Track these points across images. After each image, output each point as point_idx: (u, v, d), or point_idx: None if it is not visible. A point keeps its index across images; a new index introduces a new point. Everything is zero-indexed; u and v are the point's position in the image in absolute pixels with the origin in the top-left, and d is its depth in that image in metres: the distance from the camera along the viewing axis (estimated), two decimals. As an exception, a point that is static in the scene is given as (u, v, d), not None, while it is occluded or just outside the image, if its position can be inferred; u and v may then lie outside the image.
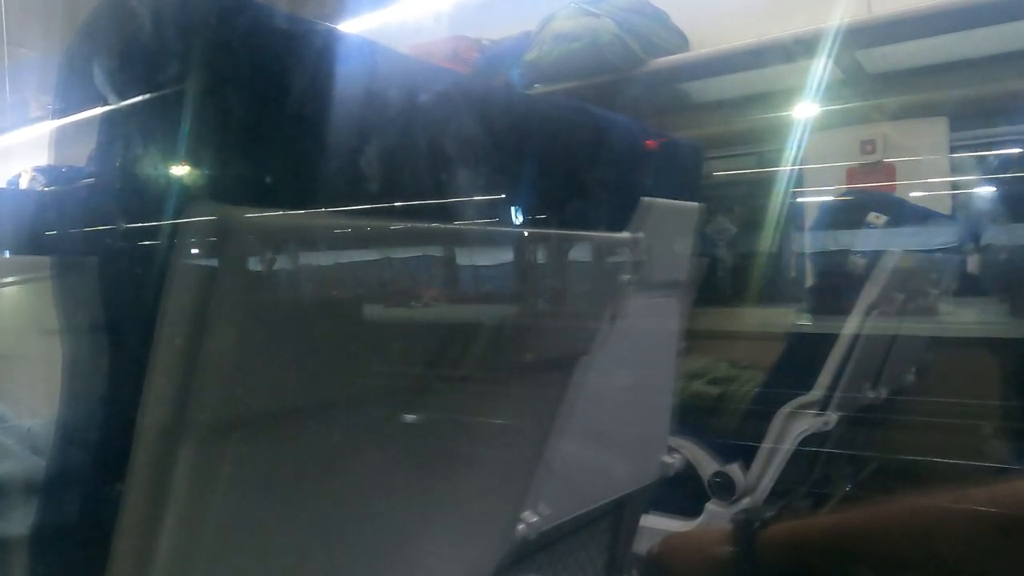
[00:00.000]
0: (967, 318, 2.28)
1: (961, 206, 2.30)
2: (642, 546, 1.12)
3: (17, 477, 0.71)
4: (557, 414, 0.83)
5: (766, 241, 2.69)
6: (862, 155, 2.41)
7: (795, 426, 1.81)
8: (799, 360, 1.90)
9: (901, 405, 2.28)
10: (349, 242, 0.51)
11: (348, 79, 0.49)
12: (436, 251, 0.60)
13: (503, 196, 0.63)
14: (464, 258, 0.62)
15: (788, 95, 2.54)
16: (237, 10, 0.44)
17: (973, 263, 2.18)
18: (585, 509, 1.09)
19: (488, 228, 0.62)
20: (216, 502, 0.51)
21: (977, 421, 1.91)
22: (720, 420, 2.06)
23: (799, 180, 2.54)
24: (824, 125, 2.48)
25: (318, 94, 0.48)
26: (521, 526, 0.90)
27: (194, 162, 0.45)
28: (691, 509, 1.86)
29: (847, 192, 2.36)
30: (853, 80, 2.37)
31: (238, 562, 0.56)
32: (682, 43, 2.46)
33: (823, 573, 0.81)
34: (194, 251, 0.45)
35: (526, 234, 0.67)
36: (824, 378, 1.80)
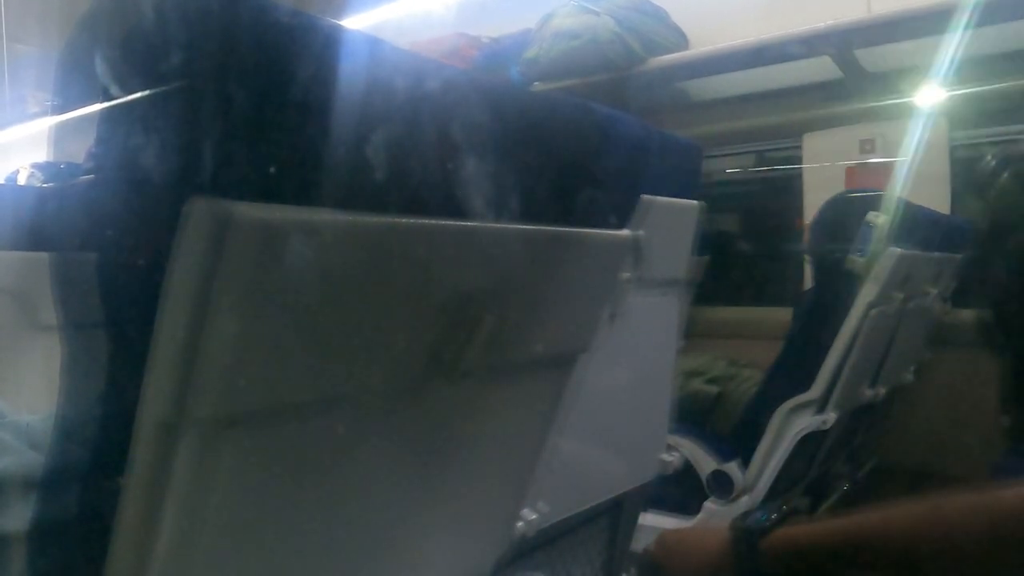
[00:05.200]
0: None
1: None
2: (640, 544, 1.13)
3: (16, 473, 0.71)
4: (556, 411, 0.83)
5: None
6: (861, 154, 2.41)
7: (793, 424, 1.81)
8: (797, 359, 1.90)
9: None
10: (350, 236, 0.51)
11: (351, 74, 0.49)
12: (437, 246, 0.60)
13: (504, 192, 0.63)
14: (464, 254, 0.62)
15: (787, 93, 2.55)
16: (239, 3, 0.44)
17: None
18: (584, 507, 1.09)
19: (490, 224, 0.62)
20: (215, 497, 0.51)
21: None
22: (718, 418, 2.07)
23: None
24: (823, 124, 2.48)
25: (320, 88, 0.47)
26: (520, 523, 0.90)
27: (194, 155, 0.45)
28: (690, 507, 1.86)
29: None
30: (852, 79, 2.37)
31: (237, 557, 0.56)
32: (681, 41, 2.46)
33: (821, 572, 0.80)
34: (194, 245, 0.45)
35: (526, 230, 0.66)
36: (822, 376, 1.80)
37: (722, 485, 1.83)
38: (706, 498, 1.85)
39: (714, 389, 2.14)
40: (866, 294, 1.74)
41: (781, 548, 0.79)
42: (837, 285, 1.78)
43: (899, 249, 1.72)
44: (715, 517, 1.81)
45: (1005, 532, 0.66)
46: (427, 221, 0.56)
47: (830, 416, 1.80)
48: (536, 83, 2.49)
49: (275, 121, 0.47)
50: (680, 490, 1.80)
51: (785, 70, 2.41)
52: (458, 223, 0.59)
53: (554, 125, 0.74)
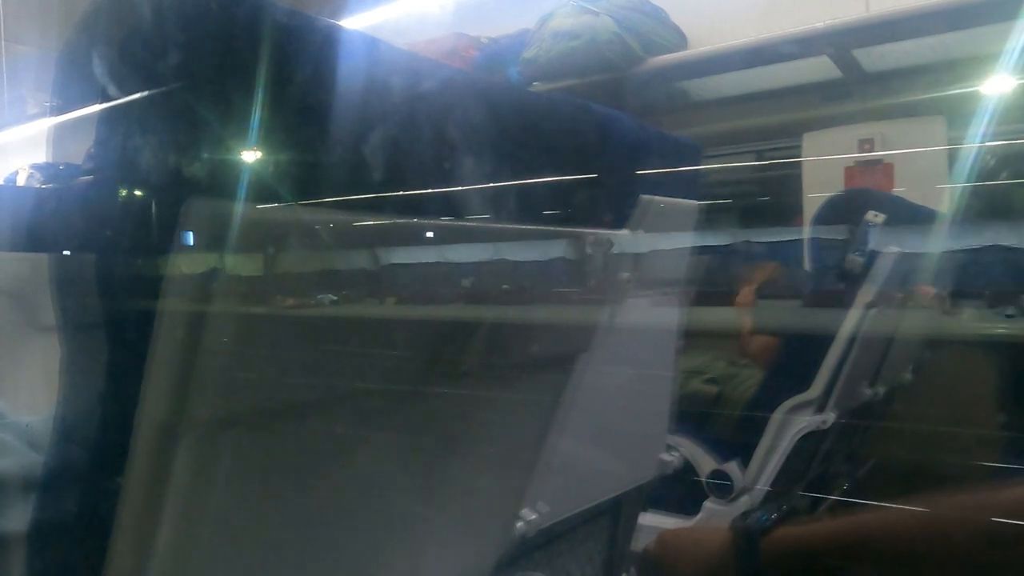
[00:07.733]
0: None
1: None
2: (640, 544, 1.13)
3: (16, 473, 0.71)
4: (556, 411, 0.83)
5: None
6: (860, 153, 2.41)
7: (793, 423, 1.81)
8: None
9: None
10: (348, 237, 0.51)
11: (349, 74, 0.49)
12: (436, 247, 0.60)
13: (503, 192, 0.63)
14: (464, 254, 0.62)
15: (786, 93, 2.55)
16: (238, 3, 0.44)
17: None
18: (584, 507, 1.09)
19: (488, 224, 0.62)
20: (214, 498, 0.51)
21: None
22: (718, 418, 2.06)
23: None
24: (822, 123, 2.48)
25: (319, 89, 0.47)
26: (520, 523, 0.90)
27: (192, 156, 0.45)
28: (690, 507, 1.86)
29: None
30: (851, 79, 2.37)
31: (236, 557, 0.56)
32: (680, 41, 2.46)
33: (821, 572, 0.80)
34: (192, 245, 0.45)
35: (525, 230, 0.67)
36: (822, 376, 1.80)
37: (722, 485, 1.83)
38: (706, 498, 1.85)
39: (714, 389, 2.14)
40: (865, 293, 1.74)
41: (781, 548, 0.79)
42: (836, 284, 1.78)
43: (898, 248, 1.72)
44: (715, 517, 1.81)
45: (1003, 532, 0.66)
46: (426, 221, 0.56)
47: (829, 416, 1.80)
48: (535, 83, 2.48)
49: (274, 121, 0.47)
50: (680, 490, 1.80)
51: (784, 70, 2.41)
52: (458, 223, 0.59)
53: (553, 125, 0.74)
